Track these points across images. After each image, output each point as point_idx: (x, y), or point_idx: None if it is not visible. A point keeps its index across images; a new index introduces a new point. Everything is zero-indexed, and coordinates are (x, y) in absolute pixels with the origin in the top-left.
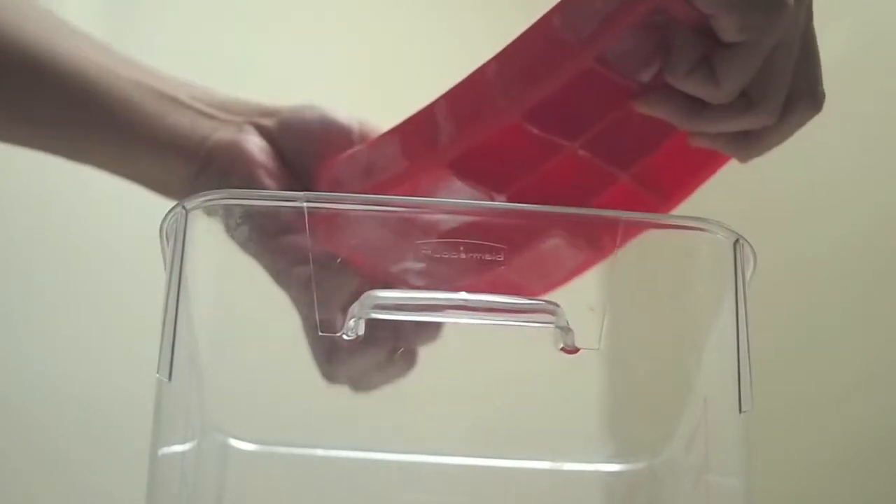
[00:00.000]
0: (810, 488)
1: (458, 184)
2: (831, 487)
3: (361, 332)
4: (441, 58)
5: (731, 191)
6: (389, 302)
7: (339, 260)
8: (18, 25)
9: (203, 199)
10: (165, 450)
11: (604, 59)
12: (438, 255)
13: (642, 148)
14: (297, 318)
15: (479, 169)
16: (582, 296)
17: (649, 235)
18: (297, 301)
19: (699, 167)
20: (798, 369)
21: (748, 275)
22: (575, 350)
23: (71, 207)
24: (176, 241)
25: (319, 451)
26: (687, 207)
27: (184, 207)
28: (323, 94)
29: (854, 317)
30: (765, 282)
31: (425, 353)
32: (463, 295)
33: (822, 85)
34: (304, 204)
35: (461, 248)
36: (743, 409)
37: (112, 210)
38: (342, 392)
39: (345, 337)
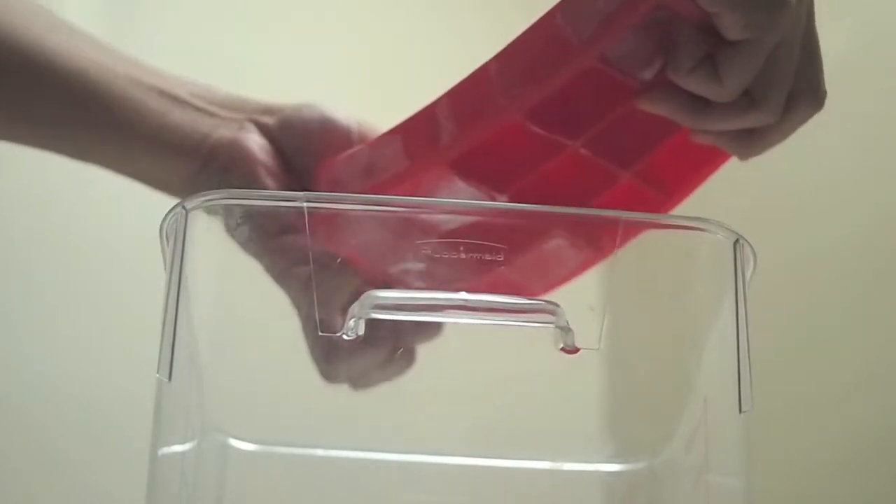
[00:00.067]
0: (810, 488)
1: (460, 183)
2: (831, 487)
3: (361, 331)
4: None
5: (731, 190)
6: (389, 302)
7: (338, 260)
8: (18, 25)
9: (203, 198)
10: (165, 450)
11: (606, 57)
12: (438, 256)
13: (644, 146)
14: (297, 318)
15: (480, 168)
16: (582, 296)
17: (649, 235)
18: (296, 301)
19: (701, 164)
20: (798, 369)
21: (748, 275)
22: (575, 350)
23: (71, 207)
24: (176, 241)
25: (319, 451)
26: (687, 207)
27: (184, 207)
28: (323, 94)
29: (854, 317)
30: (765, 282)
31: (425, 352)
32: (463, 295)
33: (823, 83)
34: (304, 204)
35: (461, 248)
36: (743, 409)
37: (112, 210)
38: (342, 392)
39: (345, 337)
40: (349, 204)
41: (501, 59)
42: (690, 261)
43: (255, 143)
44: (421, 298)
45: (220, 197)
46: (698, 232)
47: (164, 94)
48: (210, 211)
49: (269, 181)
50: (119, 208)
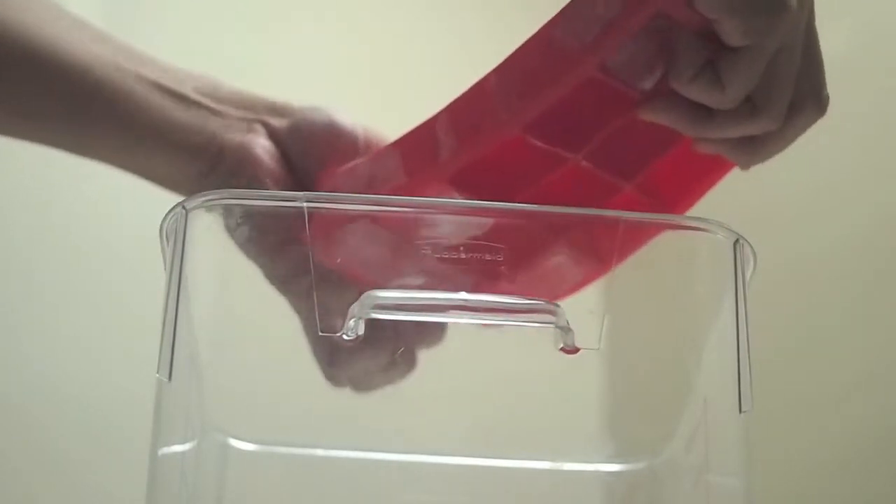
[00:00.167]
0: (810, 488)
1: (459, 199)
2: (831, 487)
3: (361, 332)
4: (441, 58)
5: (731, 191)
6: (389, 302)
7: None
8: (20, 18)
9: (203, 198)
10: (165, 450)
11: (606, 67)
12: (439, 256)
13: (645, 158)
14: (297, 318)
15: (480, 183)
16: (582, 296)
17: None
18: (297, 306)
19: (702, 175)
20: (798, 369)
21: (748, 275)
22: (575, 350)
23: (71, 207)
24: (176, 241)
25: (319, 451)
26: None
27: (184, 207)
28: (323, 94)
29: (854, 317)
30: (765, 282)
31: (426, 353)
32: (463, 295)
33: (825, 88)
34: (304, 204)
35: (461, 248)
36: (743, 409)
37: (112, 210)
38: (342, 392)
39: (345, 337)
40: (349, 204)
41: (500, 72)
42: (690, 261)
43: (263, 147)
44: (421, 298)
45: (220, 197)
46: (698, 232)
47: (168, 90)
48: (210, 211)
49: (274, 187)
50: (119, 208)
